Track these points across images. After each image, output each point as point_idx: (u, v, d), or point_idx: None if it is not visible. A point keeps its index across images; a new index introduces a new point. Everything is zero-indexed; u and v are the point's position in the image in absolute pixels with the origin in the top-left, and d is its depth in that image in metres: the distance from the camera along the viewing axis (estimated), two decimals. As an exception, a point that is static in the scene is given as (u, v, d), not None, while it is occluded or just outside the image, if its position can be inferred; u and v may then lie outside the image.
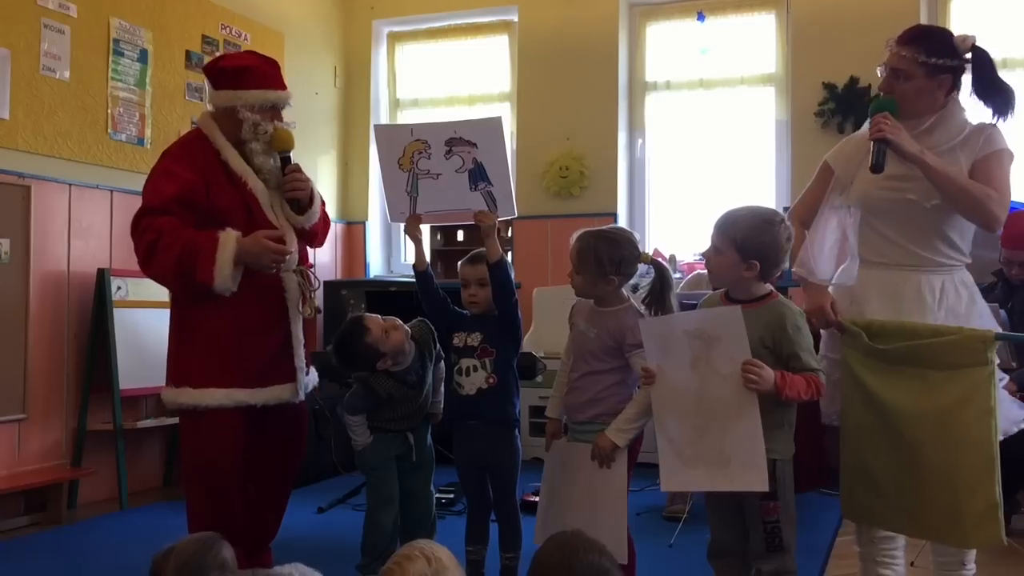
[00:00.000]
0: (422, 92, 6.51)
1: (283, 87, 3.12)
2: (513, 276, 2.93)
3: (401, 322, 3.05)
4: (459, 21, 6.34)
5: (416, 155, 2.99)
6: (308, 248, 3.29)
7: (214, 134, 3.05)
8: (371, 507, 3.13)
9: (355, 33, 6.49)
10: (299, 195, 3.08)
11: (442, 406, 3.24)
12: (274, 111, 3.07)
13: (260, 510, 3.19)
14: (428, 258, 3.11)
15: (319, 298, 5.61)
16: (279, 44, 5.81)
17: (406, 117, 6.50)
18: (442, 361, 3.20)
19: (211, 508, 2.96)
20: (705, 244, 2.51)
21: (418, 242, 3.02)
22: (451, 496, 4.23)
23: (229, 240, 2.92)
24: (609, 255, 2.62)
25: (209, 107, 3.16)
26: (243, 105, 3.01)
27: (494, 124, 2.97)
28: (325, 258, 6.24)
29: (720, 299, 2.52)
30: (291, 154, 3.12)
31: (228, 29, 5.40)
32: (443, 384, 3.20)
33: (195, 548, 1.92)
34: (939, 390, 2.34)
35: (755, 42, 5.68)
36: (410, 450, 3.13)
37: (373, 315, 3.05)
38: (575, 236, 2.69)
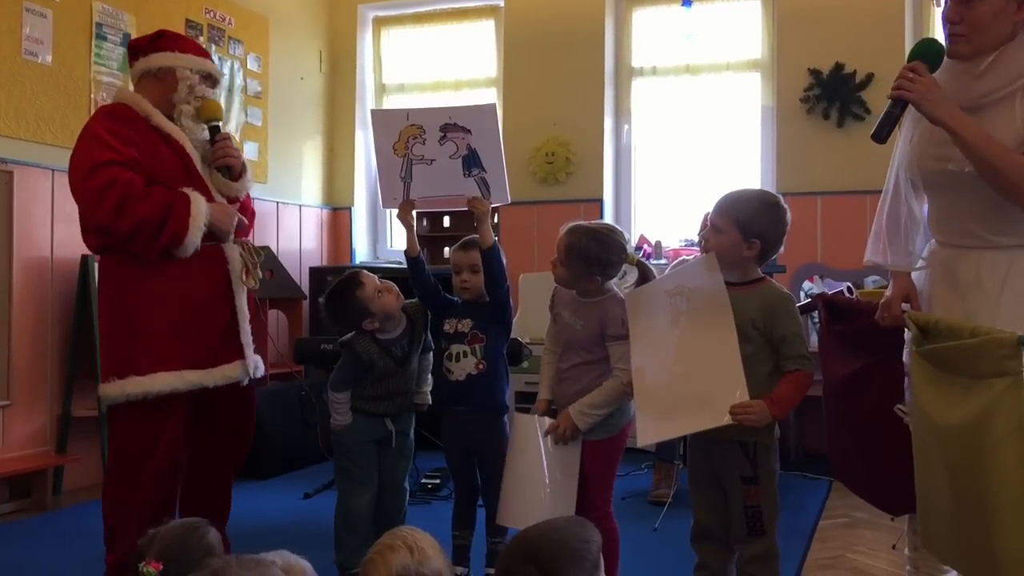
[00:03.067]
0: (408, 77, 6.48)
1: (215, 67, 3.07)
2: (505, 263, 2.93)
3: (396, 288, 3.04)
4: (445, 6, 6.30)
5: (411, 140, 2.99)
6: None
7: (141, 104, 2.90)
8: (342, 492, 3.06)
9: (340, 18, 6.45)
10: (231, 162, 2.94)
11: (429, 397, 3.22)
12: (208, 80, 2.99)
13: (206, 499, 2.99)
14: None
15: (304, 285, 5.68)
16: (264, 28, 5.78)
17: (392, 102, 6.47)
18: (431, 352, 3.20)
19: (155, 497, 2.80)
20: (692, 230, 2.53)
21: (410, 228, 3.01)
22: (437, 481, 4.25)
23: (199, 198, 2.82)
24: (598, 256, 2.62)
25: (129, 84, 3.03)
26: (184, 65, 2.91)
27: (488, 110, 2.97)
28: (311, 244, 6.23)
29: None
30: (220, 124, 3.00)
31: (212, 13, 5.36)
32: (429, 374, 3.20)
33: (179, 532, 1.90)
34: (965, 403, 1.91)
35: (741, 28, 5.68)
36: (389, 436, 3.07)
37: (371, 274, 3.06)
38: (566, 229, 2.68)
